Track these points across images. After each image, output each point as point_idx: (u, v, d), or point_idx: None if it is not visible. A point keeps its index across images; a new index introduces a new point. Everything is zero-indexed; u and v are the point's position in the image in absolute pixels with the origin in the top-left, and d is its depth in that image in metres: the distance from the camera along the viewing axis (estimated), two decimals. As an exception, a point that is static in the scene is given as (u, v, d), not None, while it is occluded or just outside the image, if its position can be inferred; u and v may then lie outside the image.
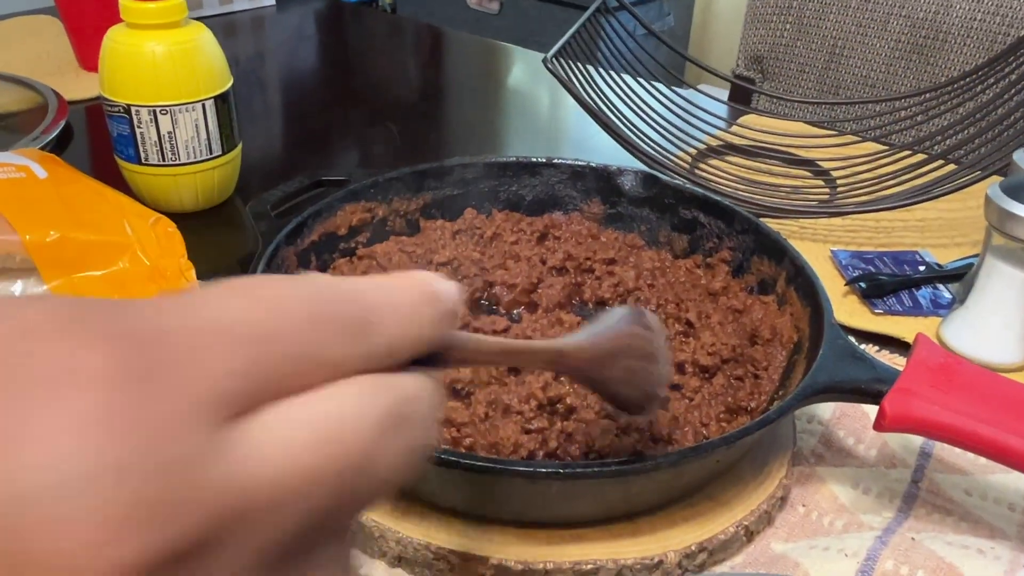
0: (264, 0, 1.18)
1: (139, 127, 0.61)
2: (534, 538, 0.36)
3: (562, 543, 0.36)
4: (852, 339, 0.40)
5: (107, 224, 0.47)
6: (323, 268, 0.49)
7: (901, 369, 0.37)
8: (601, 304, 0.50)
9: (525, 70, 1.09)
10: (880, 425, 0.36)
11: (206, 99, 0.62)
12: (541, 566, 0.35)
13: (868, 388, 0.36)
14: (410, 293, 0.20)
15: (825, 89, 1.01)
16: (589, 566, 0.35)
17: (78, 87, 0.86)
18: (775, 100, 0.99)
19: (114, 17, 0.61)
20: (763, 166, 0.77)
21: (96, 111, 0.83)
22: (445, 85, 1.08)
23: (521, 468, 0.33)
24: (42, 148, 0.69)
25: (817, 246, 0.65)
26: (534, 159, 0.57)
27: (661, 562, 0.35)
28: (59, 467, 0.13)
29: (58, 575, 0.13)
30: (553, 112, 0.98)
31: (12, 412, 0.13)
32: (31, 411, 0.13)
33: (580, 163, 0.57)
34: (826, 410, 0.47)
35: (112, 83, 0.61)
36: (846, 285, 0.58)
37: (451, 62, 1.15)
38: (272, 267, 0.43)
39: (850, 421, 0.47)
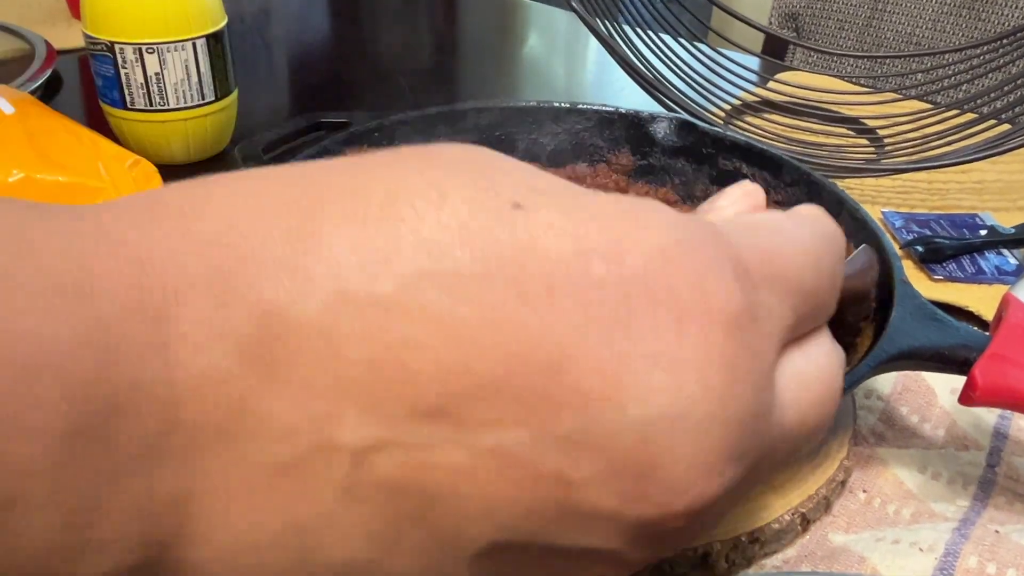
0: (270, -48, 1.12)
1: (124, 67, 0.56)
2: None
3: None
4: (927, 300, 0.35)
5: (79, 165, 0.42)
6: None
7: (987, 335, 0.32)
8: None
9: (543, 27, 1.02)
10: (969, 398, 0.30)
11: (197, 38, 0.56)
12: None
13: (953, 355, 0.31)
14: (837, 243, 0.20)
15: (866, 47, 0.94)
16: (621, 558, 0.30)
17: (69, 36, 0.81)
18: (812, 55, 0.92)
19: None
20: (803, 123, 0.71)
21: (88, 61, 0.78)
22: (460, 39, 1.02)
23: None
24: (24, 94, 0.64)
25: (866, 207, 0.59)
26: (557, 103, 0.51)
27: (706, 555, 0.30)
28: (684, 401, 0.14)
29: (665, 491, 0.15)
30: (572, 70, 0.92)
31: (648, 333, 0.14)
32: (664, 337, 0.15)
33: (608, 108, 0.51)
34: (886, 384, 0.41)
35: (94, 18, 0.55)
36: (901, 249, 0.53)
37: (467, 16, 1.09)
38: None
39: (913, 396, 0.41)
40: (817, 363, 0.19)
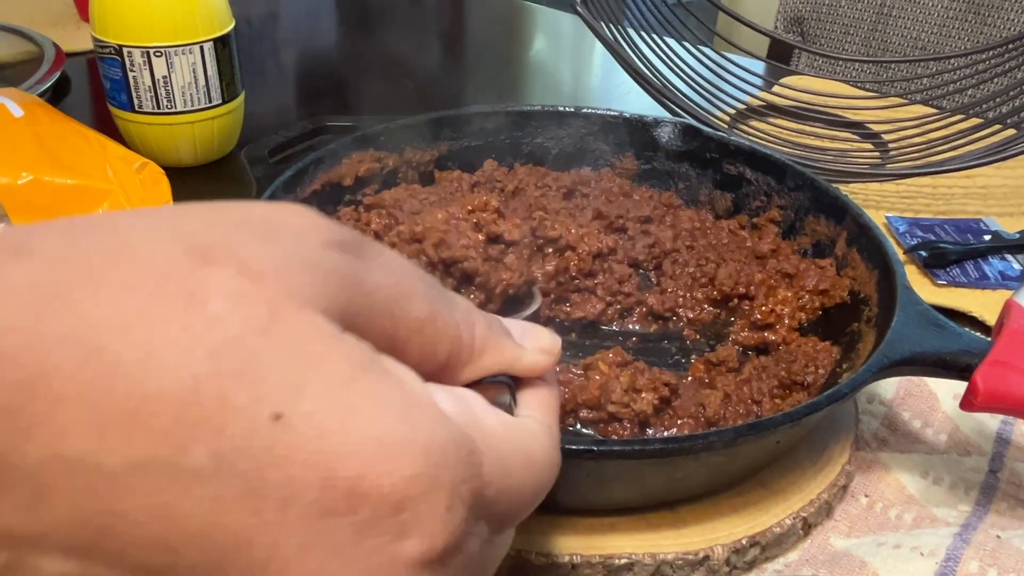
0: (277, -44, 1.12)
1: (132, 70, 0.56)
2: (559, 527, 0.31)
3: (592, 533, 0.31)
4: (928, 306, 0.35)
5: (87, 167, 0.42)
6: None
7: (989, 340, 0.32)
8: (635, 266, 0.44)
9: (548, 31, 1.03)
10: (970, 403, 0.30)
11: (204, 41, 0.57)
12: (567, 559, 0.30)
13: (955, 360, 0.31)
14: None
15: (871, 52, 0.94)
16: (623, 560, 0.30)
17: (77, 38, 0.82)
18: (816, 59, 0.92)
19: None
20: (808, 128, 0.71)
21: (96, 64, 0.78)
22: (466, 43, 1.02)
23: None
24: (33, 96, 0.64)
25: (870, 212, 0.58)
26: (561, 107, 0.51)
27: (707, 558, 0.30)
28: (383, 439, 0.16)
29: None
30: (577, 74, 0.93)
31: (343, 401, 0.16)
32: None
33: (612, 113, 0.51)
34: (889, 388, 0.41)
35: (103, 21, 0.56)
36: (905, 254, 0.53)
37: (471, 20, 1.10)
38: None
39: (916, 401, 0.41)
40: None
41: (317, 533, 0.15)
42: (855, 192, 0.62)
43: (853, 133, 0.72)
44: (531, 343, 0.23)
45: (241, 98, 0.62)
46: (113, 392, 0.14)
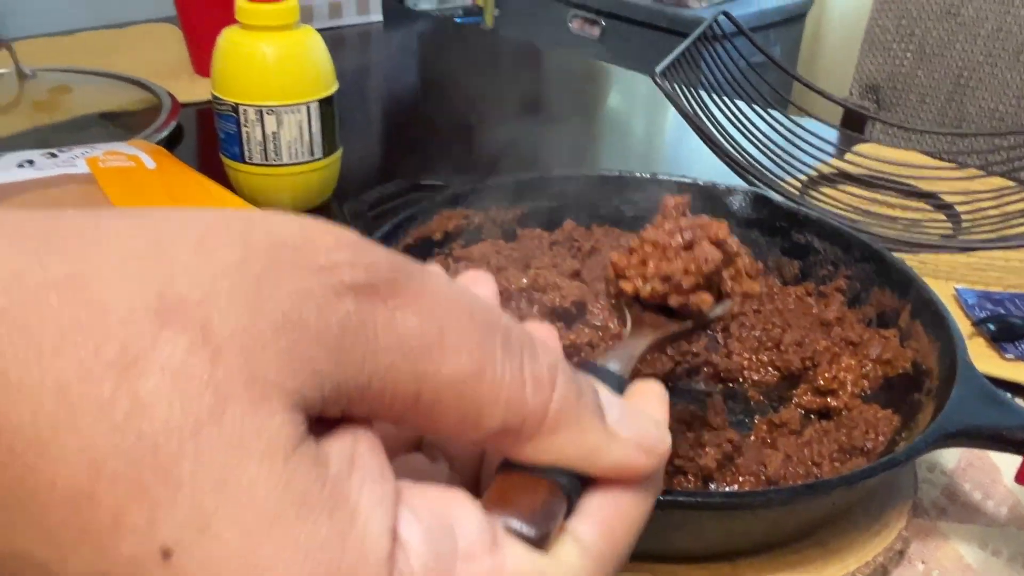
0: (372, 16, 1.20)
1: (245, 126, 0.62)
2: (625, 568, 0.33)
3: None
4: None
5: (208, 216, 0.47)
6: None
7: (1048, 418, 0.33)
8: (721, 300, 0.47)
9: (623, 91, 1.07)
10: (1024, 478, 0.31)
11: (311, 101, 0.62)
12: (630, 601, 0.32)
13: (1011, 435, 0.32)
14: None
15: (947, 121, 0.95)
16: (682, 607, 0.32)
17: (192, 90, 0.89)
18: (891, 129, 0.93)
19: (230, 24, 0.62)
20: (880, 197, 0.72)
21: (207, 114, 0.85)
22: (542, 102, 1.07)
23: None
24: (153, 145, 0.71)
25: (939, 283, 0.60)
26: (638, 174, 0.54)
27: (762, 611, 0.32)
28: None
29: None
30: (650, 136, 0.96)
31: (253, 551, 0.13)
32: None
33: (686, 180, 0.54)
34: (951, 459, 0.42)
35: (223, 82, 0.62)
36: (973, 326, 0.53)
37: (549, 80, 1.14)
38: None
39: (977, 473, 0.42)
40: None
41: None
42: (925, 262, 0.63)
43: (925, 203, 0.73)
44: (629, 432, 0.18)
45: (339, 153, 0.67)
46: (5, 468, 0.13)
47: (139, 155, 0.50)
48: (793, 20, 2.17)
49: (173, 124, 0.79)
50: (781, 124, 0.74)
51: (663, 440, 0.19)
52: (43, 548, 0.13)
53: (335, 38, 1.15)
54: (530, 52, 1.22)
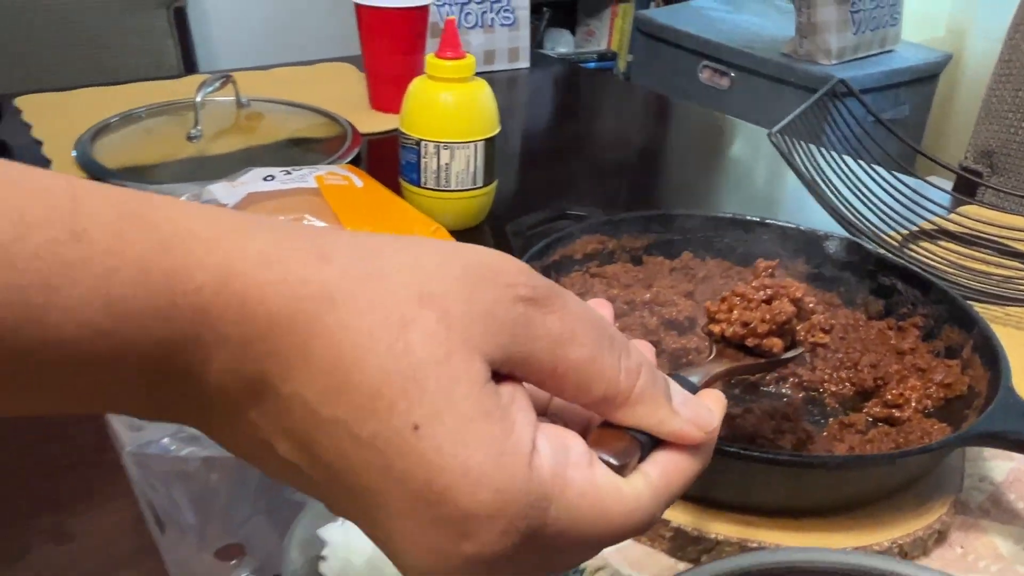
0: (520, 63, 1.34)
1: (424, 157, 0.76)
2: (711, 513, 0.43)
3: (734, 523, 0.43)
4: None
5: (402, 226, 0.60)
6: (558, 281, 0.60)
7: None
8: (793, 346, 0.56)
9: (746, 142, 1.16)
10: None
11: (479, 140, 0.75)
12: (713, 536, 0.42)
13: (1032, 441, 0.40)
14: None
15: (1059, 189, 1.00)
16: (753, 545, 0.42)
17: (369, 122, 1.05)
18: (1001, 195, 0.99)
19: (407, 70, 0.77)
20: (976, 254, 0.79)
21: (379, 143, 1.01)
22: (668, 147, 1.18)
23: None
24: (344, 167, 0.86)
25: (1021, 334, 0.67)
26: (748, 217, 0.64)
27: (818, 556, 0.42)
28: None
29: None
30: (768, 184, 1.05)
31: (461, 434, 0.22)
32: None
33: (790, 225, 0.64)
34: (1000, 472, 0.50)
35: (409, 120, 0.76)
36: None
37: (675, 127, 1.25)
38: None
39: (1023, 486, 0.50)
40: None
41: (411, 508, 0.21)
42: (1010, 314, 0.70)
43: (1020, 262, 0.79)
44: (688, 413, 0.26)
45: (495, 184, 0.80)
46: (341, 358, 0.21)
47: (351, 176, 0.64)
48: (926, 80, 2.18)
49: (356, 151, 0.95)
50: (886, 181, 0.82)
51: (711, 422, 0.27)
52: (350, 413, 0.21)
53: (487, 81, 1.30)
54: (656, 100, 1.34)
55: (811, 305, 0.40)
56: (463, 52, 0.75)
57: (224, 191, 0.60)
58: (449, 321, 0.22)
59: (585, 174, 1.01)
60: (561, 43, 2.60)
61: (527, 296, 0.23)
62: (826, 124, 0.85)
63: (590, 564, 0.43)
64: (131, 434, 0.38)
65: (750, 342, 0.38)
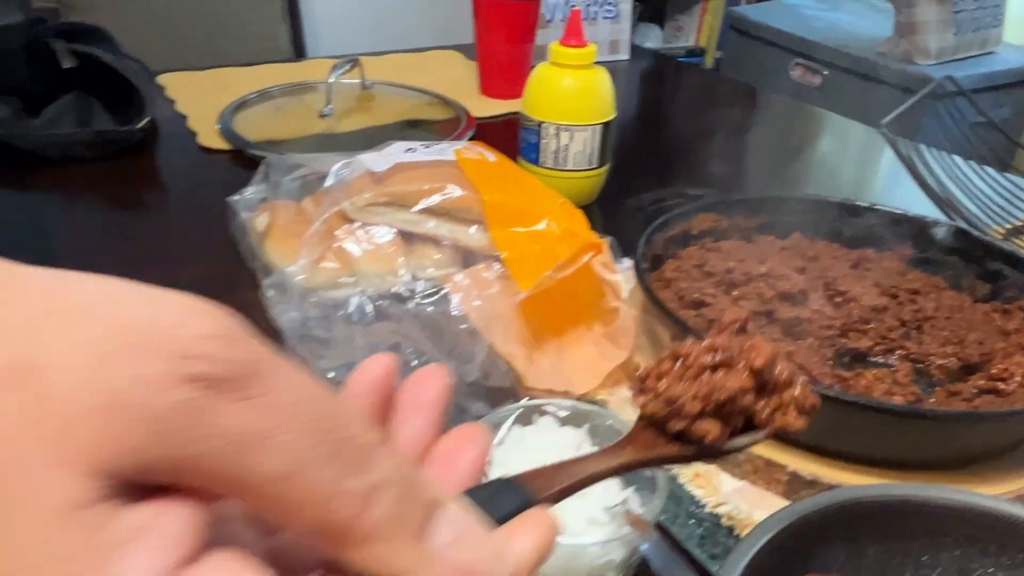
0: (620, 55, 1.39)
1: (544, 138, 0.81)
2: (813, 459, 0.47)
3: (845, 470, 0.47)
4: None
5: (531, 196, 0.66)
6: (675, 255, 0.64)
7: None
8: (902, 324, 0.59)
9: (838, 135, 1.18)
10: None
11: (597, 124, 0.80)
12: (827, 482, 0.46)
13: None
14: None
15: None
16: (866, 491, 0.46)
17: (480, 107, 1.11)
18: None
19: (519, 59, 0.82)
20: (1080, 249, 0.80)
21: (488, 127, 1.07)
22: (762, 137, 1.21)
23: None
24: (463, 147, 0.92)
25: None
26: (859, 202, 0.68)
27: (926, 504, 0.45)
28: None
29: None
30: (861, 178, 1.07)
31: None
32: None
33: (899, 211, 0.67)
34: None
35: (532, 104, 0.82)
36: None
37: (770, 118, 1.28)
38: (649, 244, 0.59)
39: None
40: None
41: None
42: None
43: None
44: (456, 558, 0.19)
45: (608, 166, 0.85)
46: None
47: (483, 152, 0.70)
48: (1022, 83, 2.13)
49: (470, 133, 1.01)
50: (991, 176, 0.84)
51: (493, 571, 0.19)
52: None
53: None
54: (753, 93, 1.37)
55: (786, 375, 0.28)
56: (585, 41, 0.80)
57: (373, 160, 0.67)
58: (42, 409, 0.15)
59: (685, 159, 1.05)
60: (650, 38, 2.63)
61: (204, 375, 0.16)
62: (926, 120, 0.87)
63: (711, 500, 0.48)
64: None
65: (673, 425, 0.28)
